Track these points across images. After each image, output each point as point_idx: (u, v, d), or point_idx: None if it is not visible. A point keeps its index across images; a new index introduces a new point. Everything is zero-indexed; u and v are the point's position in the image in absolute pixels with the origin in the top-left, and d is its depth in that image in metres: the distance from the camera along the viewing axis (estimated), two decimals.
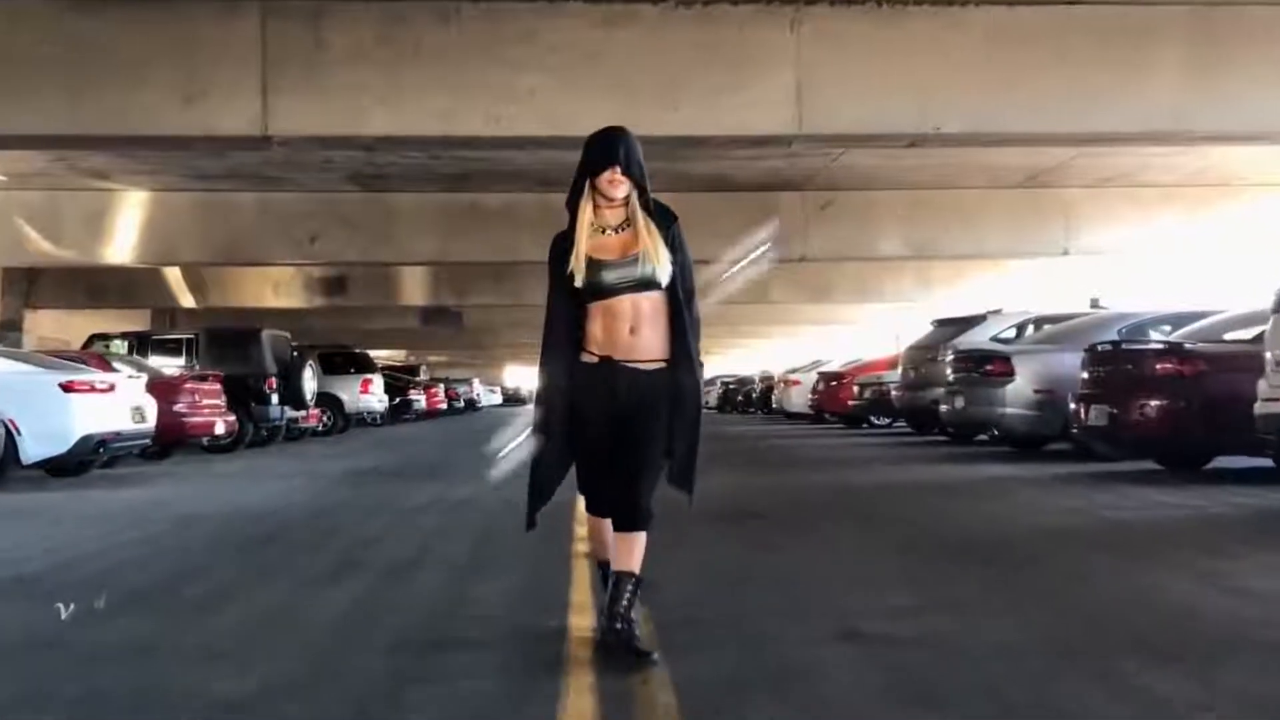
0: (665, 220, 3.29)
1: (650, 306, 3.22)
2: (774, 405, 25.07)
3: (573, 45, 6.89)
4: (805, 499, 7.77)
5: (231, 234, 13.03)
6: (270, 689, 2.95)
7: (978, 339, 13.07)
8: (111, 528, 6.52)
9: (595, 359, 3.25)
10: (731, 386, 34.69)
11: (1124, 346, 8.64)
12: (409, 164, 11.34)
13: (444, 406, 33.61)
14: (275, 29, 6.61)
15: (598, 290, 3.20)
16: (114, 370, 12.33)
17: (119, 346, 15.95)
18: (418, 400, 28.94)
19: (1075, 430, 9.05)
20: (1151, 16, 7.29)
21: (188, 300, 19.59)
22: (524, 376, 63.87)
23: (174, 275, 18.66)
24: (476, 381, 46.22)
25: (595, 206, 3.26)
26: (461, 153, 10.11)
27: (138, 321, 22.20)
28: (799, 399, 22.51)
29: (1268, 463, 7.69)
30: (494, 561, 5.04)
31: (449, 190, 13.10)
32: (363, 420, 22.54)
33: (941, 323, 14.31)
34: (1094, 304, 18.76)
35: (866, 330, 29.79)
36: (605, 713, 2.72)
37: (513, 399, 57.74)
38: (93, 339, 16.14)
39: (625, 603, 3.11)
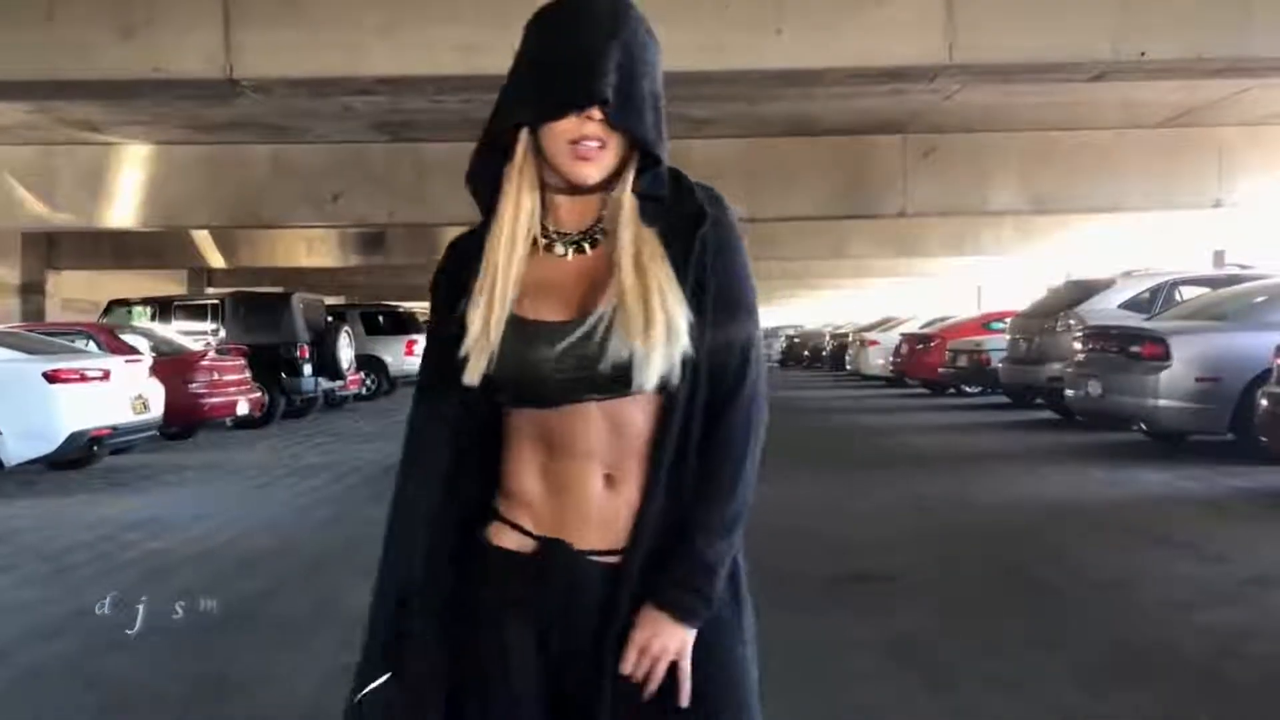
0: (689, 217, 1.35)
1: (635, 420, 1.33)
2: (847, 366, 23.33)
3: None
4: (932, 535, 6.09)
5: (244, 193, 11.54)
6: None
7: (1106, 306, 11.20)
8: (60, 589, 5.11)
9: (529, 543, 1.37)
10: (796, 341, 32.90)
11: None
12: (440, 110, 9.69)
13: None
14: None
15: (525, 390, 1.34)
16: (124, 344, 11.12)
17: (141, 313, 14.84)
18: None
19: (1264, 440, 7.22)
20: None
21: (217, 260, 18.33)
22: None
23: (201, 234, 17.39)
24: None
25: (542, 187, 1.35)
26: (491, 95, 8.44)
27: (173, 281, 21.11)
28: (877, 360, 20.74)
29: None
30: None
31: None
32: (409, 381, 21.34)
33: (1060, 287, 12.40)
34: (1219, 260, 16.57)
35: (946, 283, 27.71)
36: None
37: None
38: (112, 305, 15.04)
39: None
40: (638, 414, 1.33)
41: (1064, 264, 20.26)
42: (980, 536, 6.01)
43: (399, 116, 10.35)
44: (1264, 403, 7.19)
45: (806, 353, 30.72)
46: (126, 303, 15.03)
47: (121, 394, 9.18)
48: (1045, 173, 11.72)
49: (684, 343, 1.30)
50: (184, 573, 5.41)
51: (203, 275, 20.82)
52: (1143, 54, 5.26)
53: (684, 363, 1.30)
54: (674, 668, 1.33)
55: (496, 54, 5.92)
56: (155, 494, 8.21)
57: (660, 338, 1.29)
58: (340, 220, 12.97)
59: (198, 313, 14.93)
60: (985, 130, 11.39)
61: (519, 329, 1.32)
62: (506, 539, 1.38)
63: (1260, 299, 9.32)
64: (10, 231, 15.19)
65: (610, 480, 1.34)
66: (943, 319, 18.65)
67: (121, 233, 14.93)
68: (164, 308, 15.02)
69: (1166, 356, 8.65)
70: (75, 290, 18.24)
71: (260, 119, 10.12)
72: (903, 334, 18.88)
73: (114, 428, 9.05)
